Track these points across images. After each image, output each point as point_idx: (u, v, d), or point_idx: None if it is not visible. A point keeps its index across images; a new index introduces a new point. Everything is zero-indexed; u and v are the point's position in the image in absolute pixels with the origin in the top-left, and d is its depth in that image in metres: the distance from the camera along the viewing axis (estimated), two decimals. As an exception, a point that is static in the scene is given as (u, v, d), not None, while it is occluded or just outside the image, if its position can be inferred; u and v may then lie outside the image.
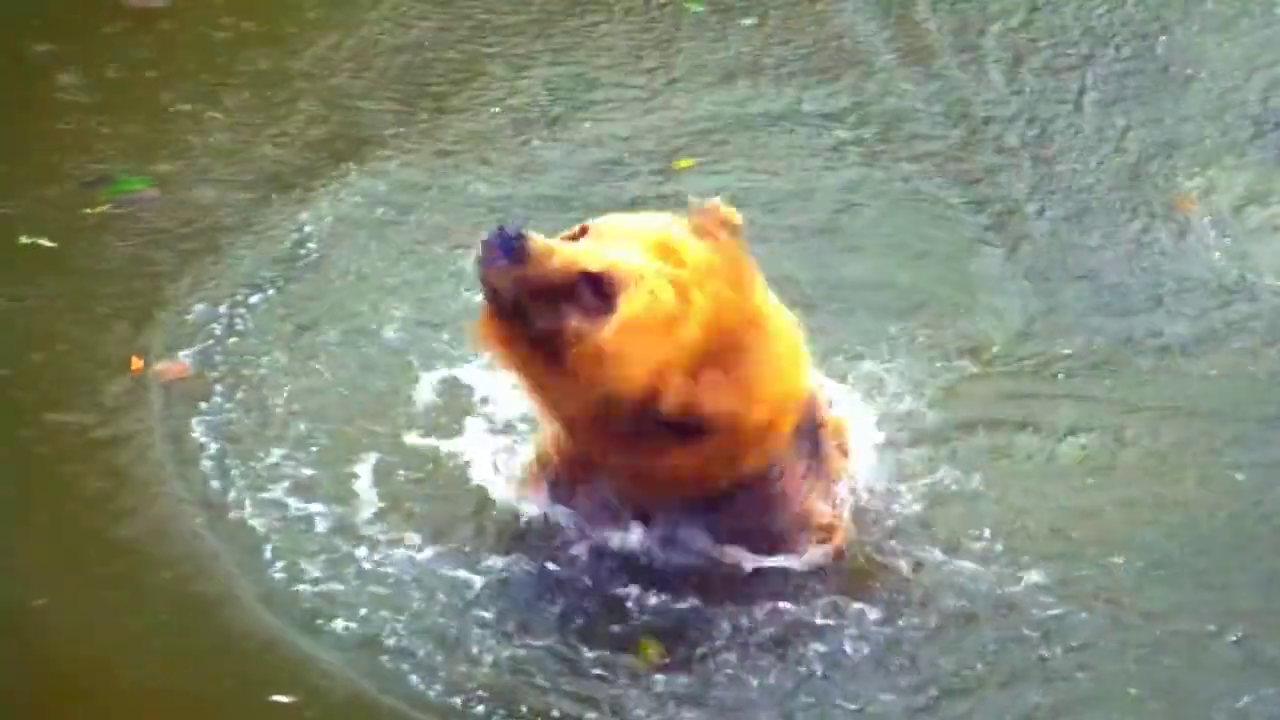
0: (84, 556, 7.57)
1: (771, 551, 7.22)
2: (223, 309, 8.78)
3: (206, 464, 7.88)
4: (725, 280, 6.70)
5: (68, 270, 9.05)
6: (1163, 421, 8.40)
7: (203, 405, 8.19)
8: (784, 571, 7.30)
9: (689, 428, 6.71)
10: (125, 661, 7.19)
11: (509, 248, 6.56)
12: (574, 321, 6.60)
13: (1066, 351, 8.81)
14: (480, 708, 6.97)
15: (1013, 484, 7.98)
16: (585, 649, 7.12)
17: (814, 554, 7.30)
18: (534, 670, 7.07)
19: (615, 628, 7.19)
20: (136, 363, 8.39)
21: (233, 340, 8.59)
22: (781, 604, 7.23)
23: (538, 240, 6.63)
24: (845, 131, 10.29)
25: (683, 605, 7.21)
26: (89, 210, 9.49)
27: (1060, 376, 8.66)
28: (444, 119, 10.28)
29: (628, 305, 6.59)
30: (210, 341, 8.57)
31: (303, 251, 9.20)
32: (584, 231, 6.82)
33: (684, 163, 10.03)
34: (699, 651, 7.14)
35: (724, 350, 6.70)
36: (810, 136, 10.26)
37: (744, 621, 7.20)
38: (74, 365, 8.42)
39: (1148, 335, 8.97)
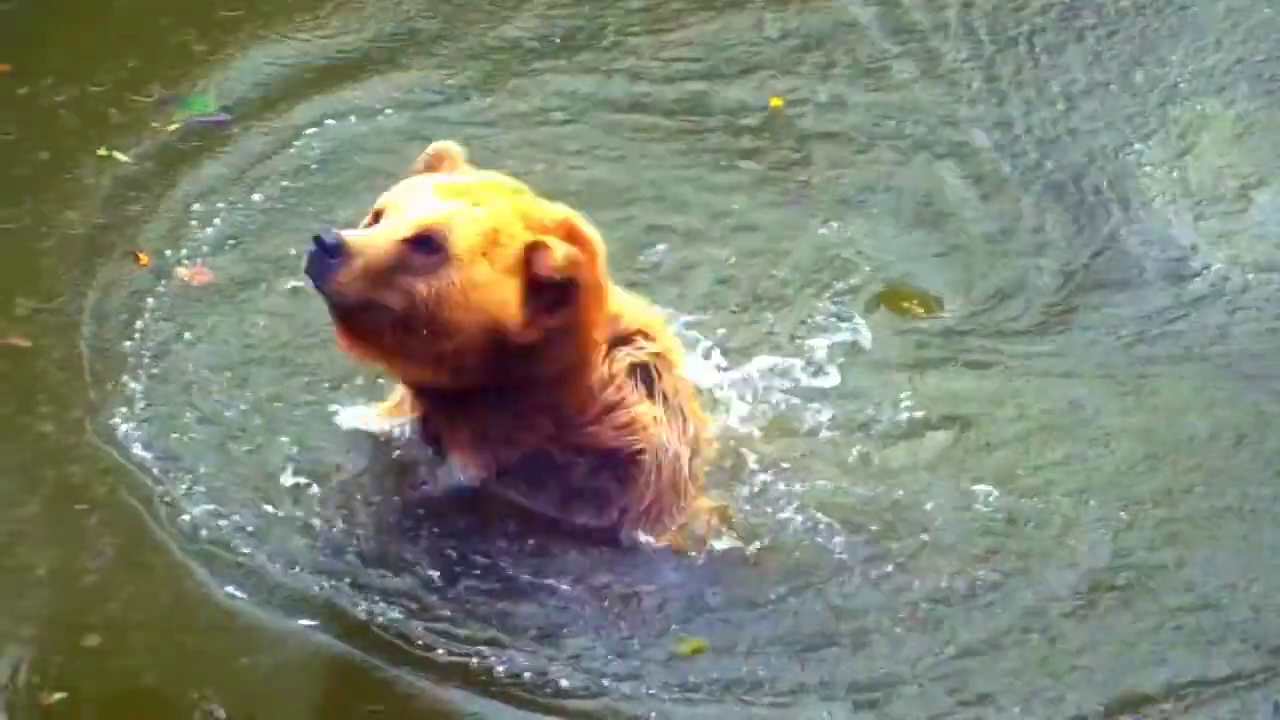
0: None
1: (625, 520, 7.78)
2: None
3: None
4: (508, 187, 7.47)
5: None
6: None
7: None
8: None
9: (564, 289, 7.32)
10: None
11: (333, 253, 7.11)
12: (422, 285, 7.18)
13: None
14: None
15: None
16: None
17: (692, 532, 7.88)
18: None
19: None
20: (144, 259, 9.55)
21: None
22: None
23: (352, 236, 7.18)
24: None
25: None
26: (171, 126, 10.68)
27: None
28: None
29: (460, 240, 7.21)
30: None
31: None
32: (379, 215, 7.40)
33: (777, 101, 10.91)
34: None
35: (542, 230, 7.38)
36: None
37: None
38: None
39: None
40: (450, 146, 7.57)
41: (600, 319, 7.51)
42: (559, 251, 7.30)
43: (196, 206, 10.02)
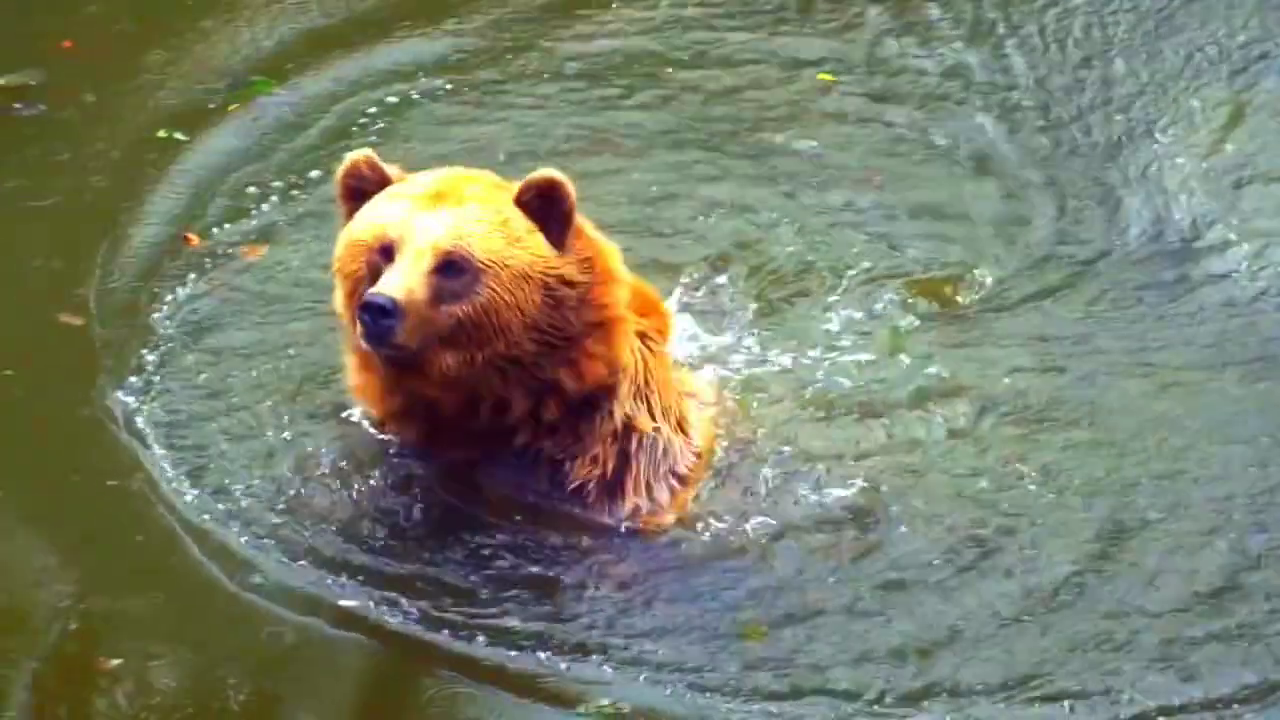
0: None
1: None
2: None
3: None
4: (462, 174, 7.63)
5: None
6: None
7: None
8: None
9: (586, 270, 7.52)
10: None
11: (390, 314, 7.23)
12: (465, 306, 7.36)
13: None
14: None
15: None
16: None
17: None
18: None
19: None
20: (194, 239, 9.64)
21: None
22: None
23: (398, 291, 7.28)
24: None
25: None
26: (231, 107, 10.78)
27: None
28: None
29: (480, 249, 7.38)
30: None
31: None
32: (385, 250, 7.44)
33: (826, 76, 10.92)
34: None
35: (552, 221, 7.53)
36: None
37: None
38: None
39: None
40: (360, 156, 7.64)
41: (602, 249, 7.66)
42: (541, 173, 7.52)
43: (251, 189, 10.10)
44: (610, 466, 7.80)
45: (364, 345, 7.35)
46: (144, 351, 8.82)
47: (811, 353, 8.82)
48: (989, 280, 9.54)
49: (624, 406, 7.77)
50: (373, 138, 10.40)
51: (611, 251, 7.70)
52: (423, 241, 7.37)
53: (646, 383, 7.83)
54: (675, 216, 9.87)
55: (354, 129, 10.54)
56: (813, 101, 10.82)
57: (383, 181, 7.60)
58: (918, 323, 9.17)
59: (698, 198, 10.02)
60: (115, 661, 7.48)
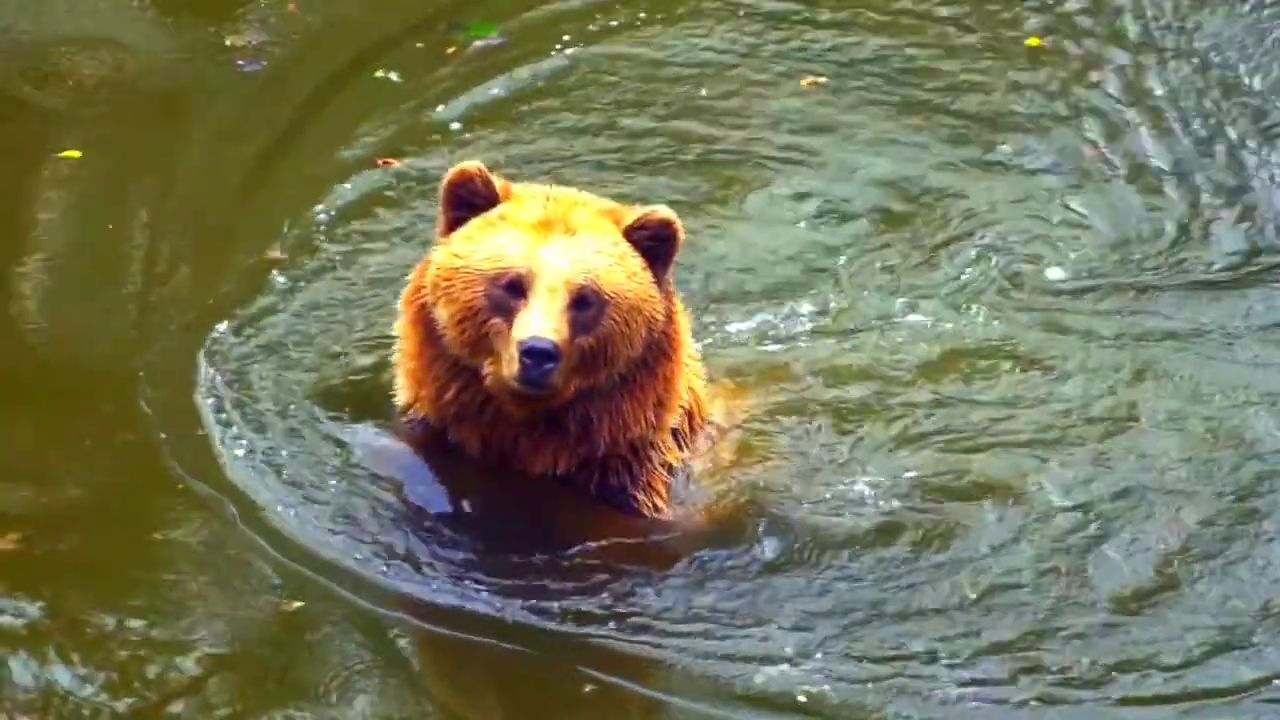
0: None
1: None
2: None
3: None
4: (572, 199, 7.79)
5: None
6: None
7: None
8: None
9: (664, 244, 7.69)
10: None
11: (554, 358, 7.46)
12: (591, 339, 7.57)
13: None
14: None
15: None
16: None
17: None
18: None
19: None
20: (391, 162, 10.07)
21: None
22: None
23: (553, 332, 7.49)
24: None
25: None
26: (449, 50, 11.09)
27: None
28: None
29: (608, 283, 7.58)
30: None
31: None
32: (513, 284, 7.56)
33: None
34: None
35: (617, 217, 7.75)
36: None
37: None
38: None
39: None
40: (479, 168, 7.74)
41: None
42: (659, 212, 7.74)
43: (455, 125, 10.41)
44: (660, 492, 8.03)
45: (515, 386, 7.52)
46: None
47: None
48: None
49: (675, 438, 8.05)
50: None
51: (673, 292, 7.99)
52: (555, 278, 7.56)
53: (691, 410, 8.10)
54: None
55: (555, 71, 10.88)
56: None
57: (491, 197, 7.74)
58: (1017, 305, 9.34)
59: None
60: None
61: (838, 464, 8.32)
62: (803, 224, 9.87)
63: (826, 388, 8.64)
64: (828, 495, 8.17)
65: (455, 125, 10.41)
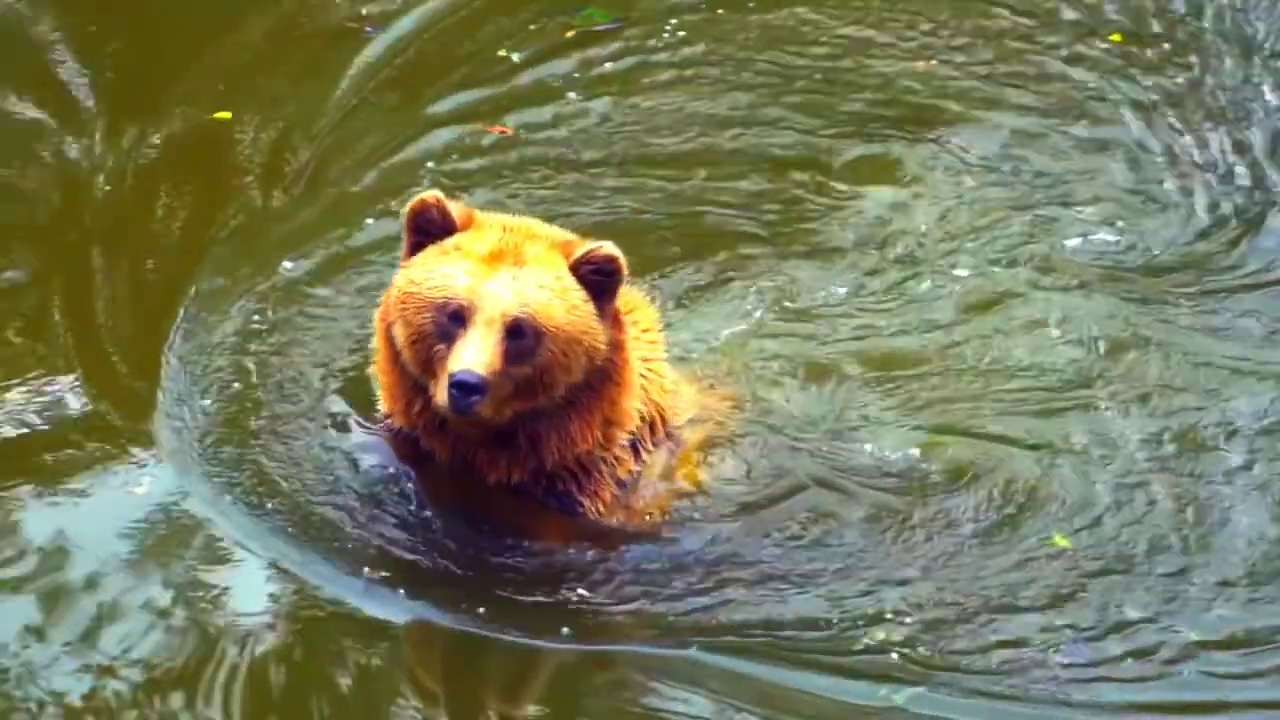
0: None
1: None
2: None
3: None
4: (524, 228, 8.22)
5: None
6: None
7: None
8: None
9: (608, 277, 8.10)
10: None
11: (480, 391, 7.88)
12: (528, 369, 7.98)
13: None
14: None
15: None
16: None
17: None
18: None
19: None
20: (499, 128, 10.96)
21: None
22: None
23: (482, 366, 7.89)
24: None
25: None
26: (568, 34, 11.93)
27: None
28: None
29: (545, 317, 7.99)
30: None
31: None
32: (455, 314, 7.98)
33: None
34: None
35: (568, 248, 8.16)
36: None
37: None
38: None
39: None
40: (437, 197, 8.18)
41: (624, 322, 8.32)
42: (604, 249, 8.11)
43: (571, 93, 11.26)
44: (604, 500, 8.43)
45: (444, 410, 7.99)
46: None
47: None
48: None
49: (634, 448, 8.44)
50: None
51: (639, 309, 8.41)
52: (493, 311, 7.97)
53: (653, 420, 8.49)
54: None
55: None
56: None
57: (448, 225, 8.15)
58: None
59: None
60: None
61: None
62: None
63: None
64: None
65: (571, 94, 11.23)
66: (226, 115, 11.11)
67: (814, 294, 9.72)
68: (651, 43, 11.68)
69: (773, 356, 9.16)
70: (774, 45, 11.60)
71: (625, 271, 8.09)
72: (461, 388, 7.84)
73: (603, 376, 8.16)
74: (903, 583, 8.22)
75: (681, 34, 11.69)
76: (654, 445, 8.50)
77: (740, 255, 10.05)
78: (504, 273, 8.01)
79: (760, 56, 11.53)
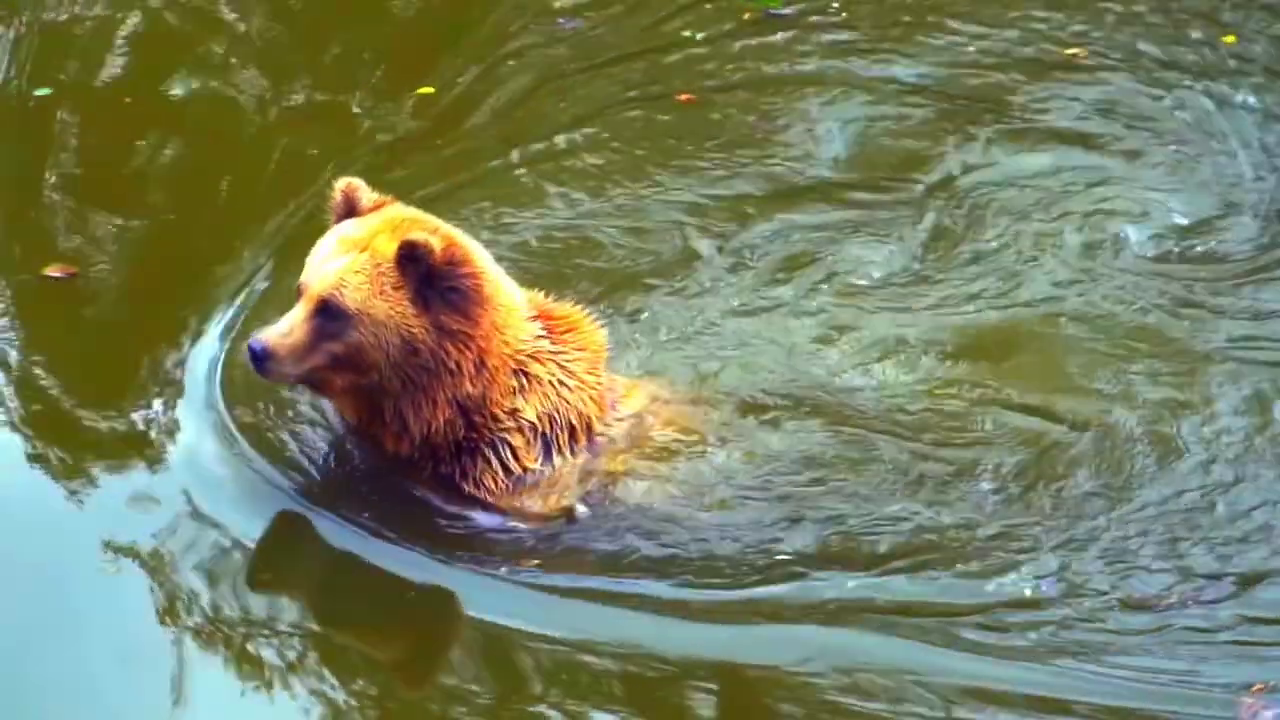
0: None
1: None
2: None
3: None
4: (397, 218, 8.59)
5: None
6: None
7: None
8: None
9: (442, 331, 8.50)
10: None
11: (262, 358, 8.37)
12: (338, 346, 8.41)
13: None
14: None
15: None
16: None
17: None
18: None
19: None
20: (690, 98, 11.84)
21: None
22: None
23: (273, 337, 8.37)
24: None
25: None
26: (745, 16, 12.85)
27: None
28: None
29: (352, 299, 8.41)
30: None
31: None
32: (299, 286, 8.49)
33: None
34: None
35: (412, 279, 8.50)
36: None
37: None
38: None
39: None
40: (350, 184, 8.69)
41: (489, 316, 8.61)
42: (409, 236, 8.45)
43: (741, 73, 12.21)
44: (490, 488, 8.80)
45: (257, 371, 8.48)
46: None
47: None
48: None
49: (546, 448, 8.81)
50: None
51: (506, 309, 8.65)
52: (312, 290, 8.43)
53: (572, 423, 8.82)
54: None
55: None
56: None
57: (351, 210, 8.64)
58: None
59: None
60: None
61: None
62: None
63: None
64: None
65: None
66: (429, 90, 12.12)
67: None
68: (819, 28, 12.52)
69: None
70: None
71: (438, 258, 8.38)
72: (250, 352, 8.45)
73: (437, 362, 8.48)
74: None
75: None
76: (573, 452, 8.81)
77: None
78: (340, 257, 8.48)
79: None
